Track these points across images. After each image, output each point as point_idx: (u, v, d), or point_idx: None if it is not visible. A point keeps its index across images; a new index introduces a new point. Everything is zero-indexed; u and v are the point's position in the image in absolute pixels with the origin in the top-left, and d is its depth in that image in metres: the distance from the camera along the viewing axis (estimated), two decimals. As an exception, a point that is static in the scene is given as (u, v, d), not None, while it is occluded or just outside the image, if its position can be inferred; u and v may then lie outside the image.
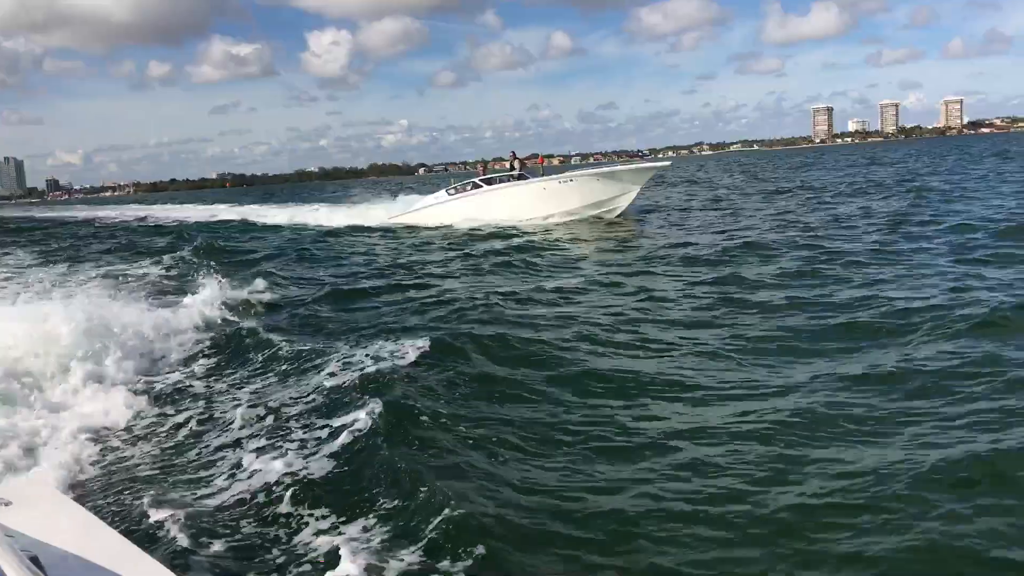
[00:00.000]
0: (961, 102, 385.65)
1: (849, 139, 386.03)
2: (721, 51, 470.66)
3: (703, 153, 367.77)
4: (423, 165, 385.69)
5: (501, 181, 31.81)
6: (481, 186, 31.90)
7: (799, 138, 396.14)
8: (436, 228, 31.05)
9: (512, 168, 32.38)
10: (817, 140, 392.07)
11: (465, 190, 32.68)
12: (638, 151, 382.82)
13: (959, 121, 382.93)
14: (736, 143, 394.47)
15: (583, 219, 29.79)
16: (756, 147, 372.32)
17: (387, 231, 31.98)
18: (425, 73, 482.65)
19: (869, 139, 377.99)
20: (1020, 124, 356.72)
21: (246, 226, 39.29)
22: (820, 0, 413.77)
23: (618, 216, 30.13)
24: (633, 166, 30.93)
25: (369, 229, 33.19)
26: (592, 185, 29.80)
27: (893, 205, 27.52)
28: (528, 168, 34.00)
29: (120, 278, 18.07)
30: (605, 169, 30.63)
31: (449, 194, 33.09)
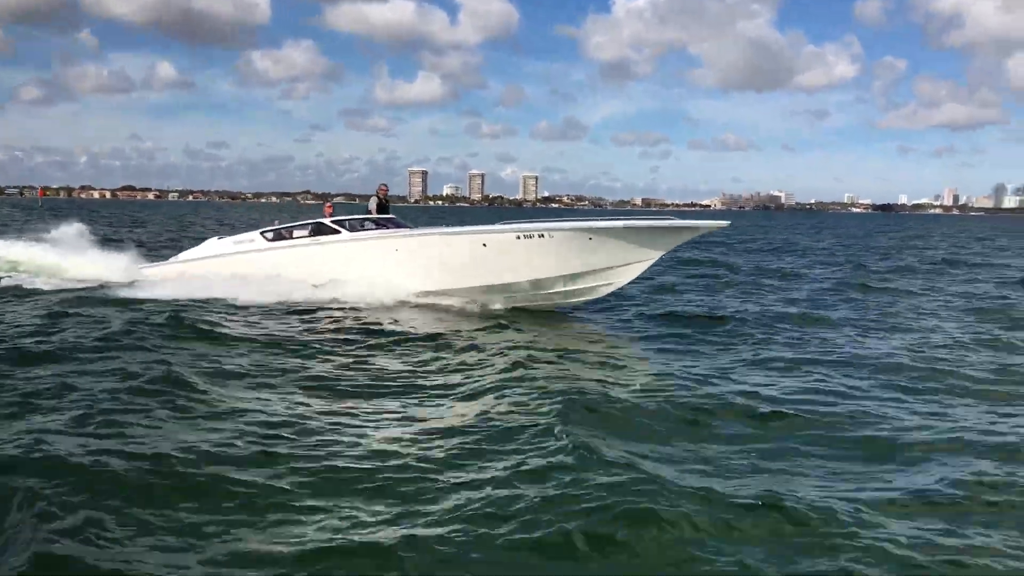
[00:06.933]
0: (536, 178, 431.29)
1: (441, 202, 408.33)
2: (334, 104, 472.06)
3: (306, 203, 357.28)
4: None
5: (364, 226, 19.22)
6: (339, 230, 18.91)
7: (397, 196, 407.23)
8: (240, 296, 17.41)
9: (383, 207, 19.92)
10: (412, 200, 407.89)
11: (291, 235, 19.48)
12: (240, 193, 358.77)
13: (535, 195, 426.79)
14: (340, 196, 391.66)
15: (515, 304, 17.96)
16: (358, 201, 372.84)
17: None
18: (6, 85, 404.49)
19: (457, 203, 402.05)
20: (583, 203, 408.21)
21: None
22: (424, 70, 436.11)
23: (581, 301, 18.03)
24: (669, 222, 16.78)
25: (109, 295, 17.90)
26: (581, 245, 16.75)
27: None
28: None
29: None
30: (619, 223, 16.58)
31: (266, 238, 19.55)
